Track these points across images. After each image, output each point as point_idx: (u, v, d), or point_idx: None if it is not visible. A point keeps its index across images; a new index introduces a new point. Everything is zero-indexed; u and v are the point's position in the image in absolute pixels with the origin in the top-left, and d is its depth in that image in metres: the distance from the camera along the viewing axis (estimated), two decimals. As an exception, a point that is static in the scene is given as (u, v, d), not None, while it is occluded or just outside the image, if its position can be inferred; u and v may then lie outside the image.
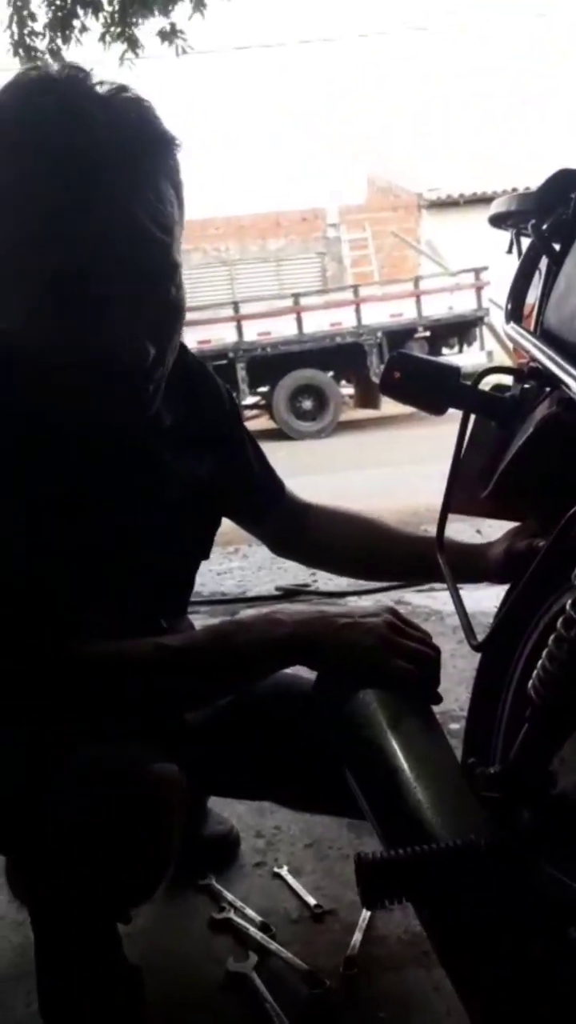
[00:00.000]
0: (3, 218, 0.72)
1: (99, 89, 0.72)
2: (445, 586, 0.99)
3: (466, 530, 2.79)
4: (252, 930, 1.15)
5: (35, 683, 0.77)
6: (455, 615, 2.55)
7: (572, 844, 0.65)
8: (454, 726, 1.55)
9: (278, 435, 9.38)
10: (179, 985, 1.08)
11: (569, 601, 0.61)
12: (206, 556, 1.06)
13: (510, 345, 9.32)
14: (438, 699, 0.83)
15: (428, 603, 2.61)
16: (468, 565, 1.02)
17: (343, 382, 11.14)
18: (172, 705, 0.86)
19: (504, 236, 1.08)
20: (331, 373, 10.39)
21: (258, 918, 1.18)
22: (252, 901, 1.22)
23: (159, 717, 0.86)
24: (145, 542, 0.89)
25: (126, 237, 0.71)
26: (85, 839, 0.77)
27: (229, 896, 1.23)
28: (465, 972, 0.60)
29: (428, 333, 10.28)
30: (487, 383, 0.96)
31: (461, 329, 10.47)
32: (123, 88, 0.74)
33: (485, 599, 1.55)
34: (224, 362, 9.47)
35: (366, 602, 2.73)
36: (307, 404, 10.06)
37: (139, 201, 0.72)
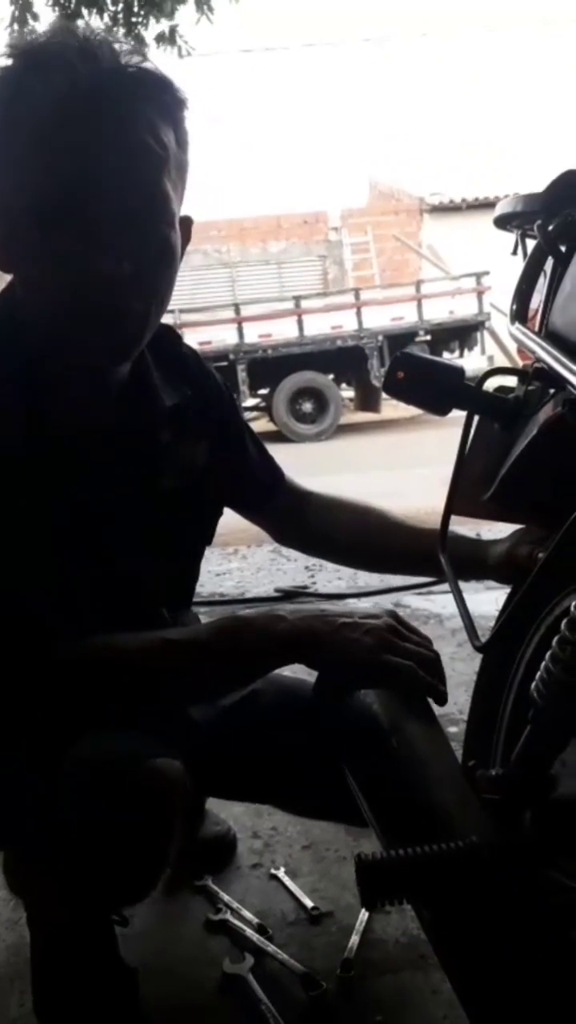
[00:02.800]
0: (15, 141, 0.74)
1: (119, 47, 0.74)
2: (444, 589, 0.99)
3: (466, 533, 2.79)
4: (248, 932, 1.14)
5: (37, 678, 0.77)
6: (454, 618, 2.55)
7: (573, 847, 0.65)
8: (453, 729, 1.55)
9: (278, 437, 9.38)
10: (175, 986, 1.07)
11: (574, 603, 0.61)
12: (208, 542, 1.06)
13: (511, 349, 9.33)
14: (444, 699, 0.82)
15: (427, 606, 2.61)
16: (470, 561, 1.02)
17: (343, 385, 11.14)
18: (172, 697, 0.86)
19: (509, 237, 1.08)
20: (331, 376, 10.39)
21: (255, 920, 1.17)
22: (249, 903, 1.22)
23: (161, 712, 0.86)
24: (145, 531, 0.90)
25: (118, 145, 0.73)
26: (84, 832, 0.77)
27: (225, 897, 1.23)
28: (465, 974, 0.60)
29: (429, 337, 10.29)
30: (491, 384, 0.96)
31: (462, 333, 10.47)
32: (144, 55, 0.76)
33: (484, 602, 1.55)
34: (225, 364, 9.46)
35: (365, 604, 2.73)
36: (307, 407, 10.06)
37: (135, 118, 0.74)
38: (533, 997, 0.56)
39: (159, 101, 0.76)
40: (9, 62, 0.75)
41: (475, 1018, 0.59)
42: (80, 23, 4.91)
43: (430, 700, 0.82)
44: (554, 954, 0.56)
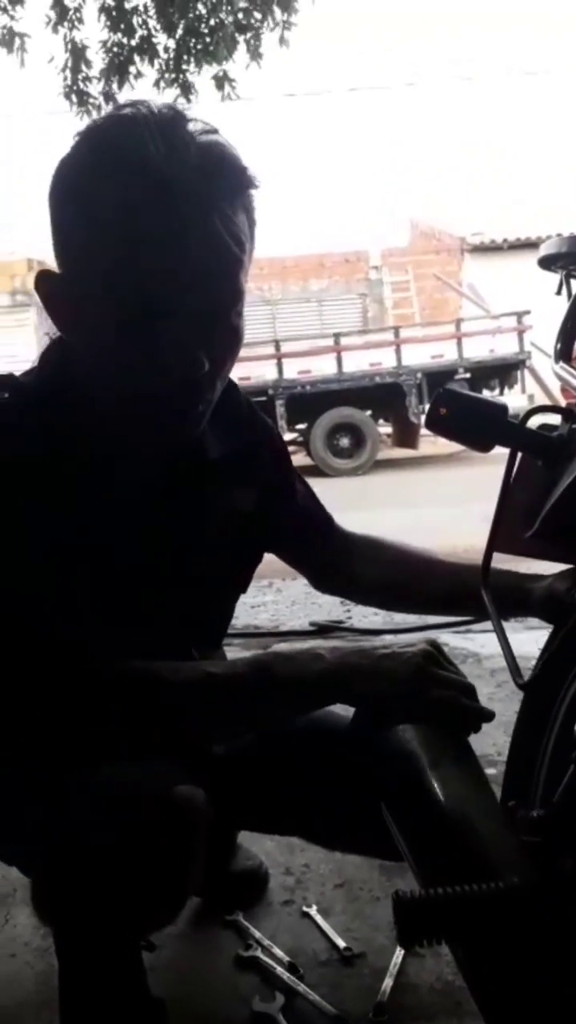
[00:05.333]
0: (96, 235, 0.75)
1: (191, 127, 0.76)
2: (482, 627, 0.98)
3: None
4: (279, 970, 1.13)
5: (74, 693, 0.77)
6: (493, 658, 2.51)
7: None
8: (491, 771, 1.52)
9: (315, 471, 9.42)
10: (203, 1021, 1.06)
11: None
12: (244, 590, 1.07)
13: (552, 387, 9.27)
14: (479, 726, 0.81)
15: (466, 645, 2.58)
16: (513, 597, 1.01)
17: (381, 421, 11.17)
18: (211, 731, 0.86)
19: (551, 277, 1.09)
20: (369, 412, 10.43)
21: (286, 958, 1.15)
22: (280, 940, 1.20)
23: (192, 744, 0.85)
24: (180, 576, 0.90)
25: (203, 243, 0.75)
26: (106, 859, 0.77)
27: (256, 934, 1.21)
28: (503, 1017, 0.58)
29: (469, 375, 10.28)
30: (534, 422, 0.96)
31: (502, 371, 10.46)
32: (214, 130, 0.78)
33: (525, 642, 1.53)
34: (264, 399, 9.56)
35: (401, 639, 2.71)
36: (344, 442, 10.11)
37: (217, 214, 0.75)
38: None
39: (236, 189, 0.78)
40: (77, 144, 0.76)
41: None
42: (133, 69, 5.07)
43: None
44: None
